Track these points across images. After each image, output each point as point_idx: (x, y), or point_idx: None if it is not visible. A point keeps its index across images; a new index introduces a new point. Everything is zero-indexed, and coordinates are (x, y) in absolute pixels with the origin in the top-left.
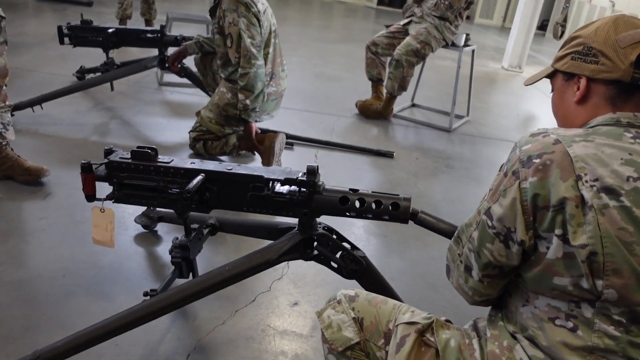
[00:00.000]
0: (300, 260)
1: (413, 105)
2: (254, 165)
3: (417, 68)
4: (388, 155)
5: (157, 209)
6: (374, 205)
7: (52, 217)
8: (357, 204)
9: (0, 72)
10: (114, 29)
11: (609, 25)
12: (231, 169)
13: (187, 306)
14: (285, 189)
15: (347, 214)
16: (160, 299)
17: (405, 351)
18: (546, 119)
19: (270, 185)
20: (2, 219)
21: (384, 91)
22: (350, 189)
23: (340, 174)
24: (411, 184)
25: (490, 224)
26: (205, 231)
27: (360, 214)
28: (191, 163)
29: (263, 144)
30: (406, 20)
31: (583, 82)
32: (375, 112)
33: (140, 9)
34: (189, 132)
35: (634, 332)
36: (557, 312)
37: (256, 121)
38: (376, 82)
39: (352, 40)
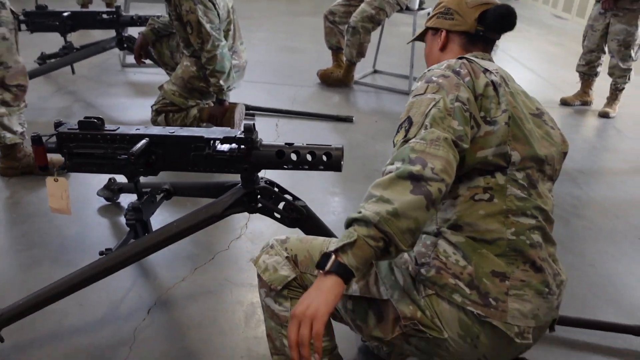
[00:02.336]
0: (259, 220)
1: (375, 71)
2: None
3: (376, 34)
4: (347, 120)
5: (117, 181)
6: (309, 157)
7: (16, 197)
8: (293, 156)
9: (22, 71)
10: (69, 13)
11: None
12: (173, 132)
13: (148, 267)
14: (226, 147)
15: (285, 166)
16: (115, 256)
17: None
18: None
19: (211, 144)
20: None
21: (344, 59)
22: (286, 143)
23: (301, 140)
24: (369, 146)
25: (465, 108)
26: (160, 196)
27: (296, 165)
28: (136, 129)
29: (224, 116)
30: None
31: (443, 33)
32: (336, 80)
33: None
34: (151, 106)
35: (533, 195)
36: (475, 189)
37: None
38: (336, 50)
39: (320, 12)
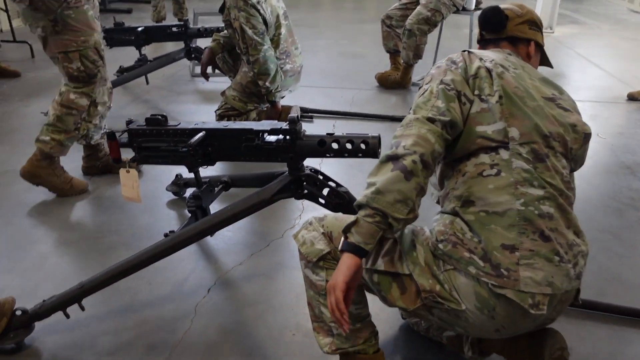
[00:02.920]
0: (311, 213)
1: None
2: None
3: (435, 35)
4: (402, 120)
5: (183, 177)
6: (348, 145)
7: (97, 192)
8: (334, 145)
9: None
10: (142, 27)
11: None
12: (227, 126)
13: (210, 252)
14: (273, 138)
15: (327, 155)
16: (176, 236)
17: None
18: (575, 77)
19: (260, 136)
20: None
21: (402, 61)
22: (327, 134)
23: None
24: None
25: (448, 88)
26: (218, 187)
27: (337, 153)
28: (195, 124)
29: (280, 118)
30: None
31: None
32: (394, 82)
33: (172, 9)
34: (215, 111)
35: (539, 168)
36: (482, 166)
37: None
38: (393, 53)
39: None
